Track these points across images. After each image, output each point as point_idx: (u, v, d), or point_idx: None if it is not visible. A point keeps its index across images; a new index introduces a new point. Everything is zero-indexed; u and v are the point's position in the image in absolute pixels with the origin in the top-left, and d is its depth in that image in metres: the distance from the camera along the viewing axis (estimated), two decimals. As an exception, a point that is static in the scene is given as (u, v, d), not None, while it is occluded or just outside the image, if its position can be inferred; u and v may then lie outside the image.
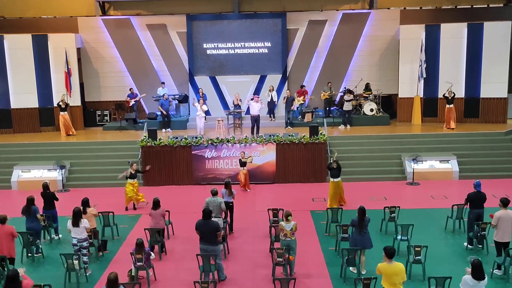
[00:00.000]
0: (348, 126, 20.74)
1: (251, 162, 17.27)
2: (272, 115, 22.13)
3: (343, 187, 15.24)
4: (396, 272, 8.60)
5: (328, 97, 22.00)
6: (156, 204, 12.35)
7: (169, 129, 21.15)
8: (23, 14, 23.67)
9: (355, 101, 21.87)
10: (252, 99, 20.17)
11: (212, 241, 10.65)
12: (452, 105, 20.20)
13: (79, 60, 22.51)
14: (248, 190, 17.14)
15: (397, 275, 8.58)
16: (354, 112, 21.88)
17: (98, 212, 12.76)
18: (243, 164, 16.98)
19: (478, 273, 8.12)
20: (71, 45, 21.79)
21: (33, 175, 18.21)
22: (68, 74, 21.44)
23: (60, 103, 20.55)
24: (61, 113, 20.64)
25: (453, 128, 20.13)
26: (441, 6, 23.48)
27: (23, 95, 21.58)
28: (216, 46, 22.92)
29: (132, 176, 15.48)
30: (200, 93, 21.80)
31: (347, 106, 20.72)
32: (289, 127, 20.94)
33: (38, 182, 15.14)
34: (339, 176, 14.89)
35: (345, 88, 21.90)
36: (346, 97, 20.75)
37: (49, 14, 23.93)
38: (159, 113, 22.70)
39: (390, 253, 8.64)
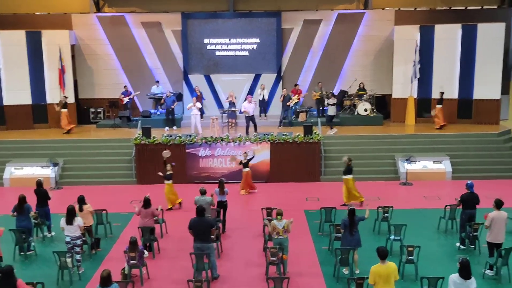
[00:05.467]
0: (334, 130, 19.95)
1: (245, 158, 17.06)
2: (264, 114, 22.12)
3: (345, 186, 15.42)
4: (390, 272, 8.65)
5: (319, 97, 21.97)
6: (147, 203, 12.21)
7: (174, 127, 21.03)
8: (16, 10, 23.51)
9: (349, 101, 21.93)
10: (245, 100, 20.05)
11: (206, 239, 10.67)
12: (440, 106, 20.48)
13: (73, 57, 22.41)
14: (252, 191, 16.85)
15: (391, 275, 8.64)
16: (348, 111, 21.93)
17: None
18: (245, 165, 16.61)
19: (465, 272, 8.21)
20: (65, 42, 21.69)
21: (26, 172, 18.13)
22: (62, 71, 21.36)
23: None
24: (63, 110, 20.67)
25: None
26: (436, 7, 23.56)
27: (16, 92, 21.46)
28: (211, 45, 22.89)
29: (168, 177, 15.19)
30: (197, 91, 21.77)
31: (331, 111, 20.00)
32: (282, 126, 20.93)
33: (31, 179, 15.08)
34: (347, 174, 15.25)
35: (326, 92, 21.49)
36: (330, 101, 20.07)
37: (43, 10, 23.80)
38: (153, 111, 22.68)
39: (383, 254, 8.69)
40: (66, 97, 20.88)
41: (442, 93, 20.47)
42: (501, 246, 10.87)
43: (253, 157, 16.98)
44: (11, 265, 8.45)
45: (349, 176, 15.22)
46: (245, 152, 16.77)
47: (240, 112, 20.49)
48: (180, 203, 15.55)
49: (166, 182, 15.19)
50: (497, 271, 10.71)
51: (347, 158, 15.27)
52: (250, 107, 19.43)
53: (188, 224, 10.76)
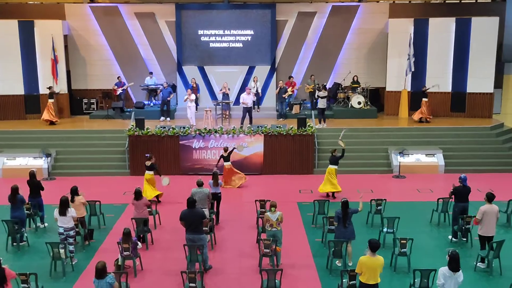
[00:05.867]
0: (324, 124, 19.81)
1: (241, 150, 17.01)
2: (257, 106, 22.09)
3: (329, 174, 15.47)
4: (378, 265, 8.73)
5: (312, 90, 21.93)
6: (138, 195, 12.18)
7: (168, 118, 20.95)
8: (9, 0, 23.27)
9: (343, 94, 21.94)
10: (244, 92, 20.03)
11: (198, 230, 10.66)
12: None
13: (66, 47, 22.24)
14: (237, 186, 16.68)
15: (377, 268, 8.73)
16: (342, 104, 21.96)
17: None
18: (226, 159, 16.40)
19: (454, 264, 8.29)
20: (58, 32, 21.51)
21: (18, 163, 18.04)
22: (55, 61, 21.20)
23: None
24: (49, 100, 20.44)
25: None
26: (430, 1, 23.57)
27: (8, 82, 21.29)
28: (205, 36, 22.79)
29: (148, 168, 15.01)
30: (193, 83, 21.68)
31: (322, 104, 19.77)
32: (281, 118, 20.89)
33: (23, 170, 15.02)
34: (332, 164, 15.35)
35: (318, 84, 21.42)
36: (321, 94, 19.83)
37: (35, 0, 23.57)
38: (146, 102, 22.60)
39: (374, 247, 8.74)
40: (50, 87, 20.61)
41: (425, 87, 20.52)
42: (492, 239, 10.96)
43: (233, 149, 16.80)
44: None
45: (330, 167, 15.36)
46: (226, 147, 16.63)
47: (237, 103, 20.50)
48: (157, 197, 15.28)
49: (148, 172, 15.03)
50: (488, 264, 10.81)
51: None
52: (248, 99, 19.44)
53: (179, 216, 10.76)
